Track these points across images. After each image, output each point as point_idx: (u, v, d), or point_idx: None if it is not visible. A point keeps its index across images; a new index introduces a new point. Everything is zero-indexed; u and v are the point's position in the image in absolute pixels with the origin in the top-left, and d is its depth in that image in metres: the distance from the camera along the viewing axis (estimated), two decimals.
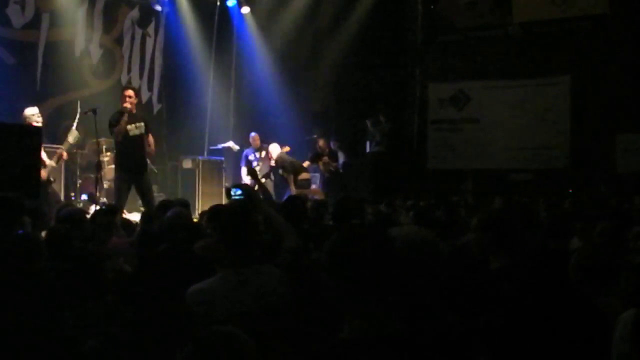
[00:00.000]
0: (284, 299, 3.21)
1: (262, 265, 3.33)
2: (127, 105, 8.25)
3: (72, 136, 9.11)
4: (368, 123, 13.15)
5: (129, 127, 8.29)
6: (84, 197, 9.70)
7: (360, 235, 2.11)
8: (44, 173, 8.18)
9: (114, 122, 8.30)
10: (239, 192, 3.93)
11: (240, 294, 3.10)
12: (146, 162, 8.74)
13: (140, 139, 8.42)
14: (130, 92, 8.41)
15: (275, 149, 11.54)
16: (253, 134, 11.94)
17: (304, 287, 3.39)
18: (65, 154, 8.98)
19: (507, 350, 2.53)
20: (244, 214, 3.31)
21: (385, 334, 1.95)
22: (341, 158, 12.88)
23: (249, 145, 11.98)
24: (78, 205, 9.32)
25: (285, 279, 3.28)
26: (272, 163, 11.58)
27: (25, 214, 4.54)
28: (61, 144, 9.24)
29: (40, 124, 8.26)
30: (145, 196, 8.52)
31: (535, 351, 2.51)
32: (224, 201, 8.90)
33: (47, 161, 8.62)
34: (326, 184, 12.44)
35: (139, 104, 12.07)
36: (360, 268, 2.00)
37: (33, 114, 8.34)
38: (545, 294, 2.81)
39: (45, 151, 8.38)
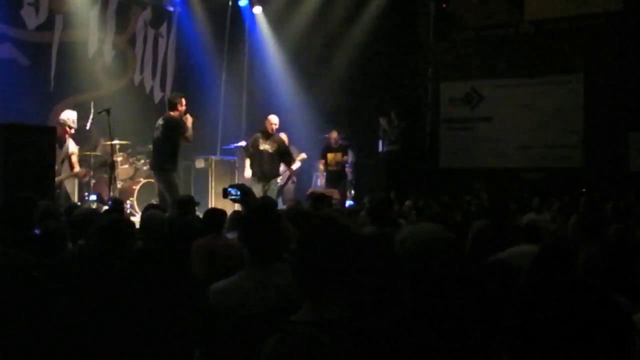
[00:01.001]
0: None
1: (284, 264, 3.37)
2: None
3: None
4: (383, 122, 13.13)
5: None
6: (93, 197, 9.75)
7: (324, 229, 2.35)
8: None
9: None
10: (237, 192, 3.95)
11: (263, 292, 3.14)
12: None
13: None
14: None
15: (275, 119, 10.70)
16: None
17: None
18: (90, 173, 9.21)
19: (527, 348, 2.53)
20: (266, 215, 3.35)
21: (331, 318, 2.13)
22: (350, 157, 12.86)
23: None
24: (91, 205, 9.43)
25: None
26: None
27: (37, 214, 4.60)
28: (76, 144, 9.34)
29: (74, 128, 8.47)
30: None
31: (555, 350, 2.51)
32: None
33: (77, 169, 8.85)
34: (329, 181, 12.34)
35: (152, 104, 12.25)
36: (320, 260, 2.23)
37: (68, 118, 8.51)
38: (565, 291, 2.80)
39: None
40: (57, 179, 8.66)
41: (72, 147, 8.96)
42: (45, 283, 3.40)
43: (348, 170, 12.83)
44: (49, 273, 3.52)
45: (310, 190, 12.30)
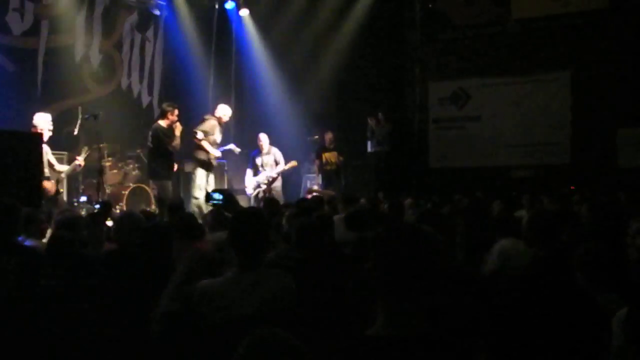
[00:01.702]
0: (291, 301, 3.25)
1: (271, 269, 3.38)
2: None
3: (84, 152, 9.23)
4: (371, 122, 13.13)
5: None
6: (83, 198, 9.74)
7: (402, 232, 2.15)
8: (50, 185, 8.28)
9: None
10: (220, 196, 3.95)
11: (249, 295, 3.14)
12: None
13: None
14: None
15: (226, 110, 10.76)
16: (262, 134, 11.55)
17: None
18: (82, 163, 9.05)
19: (509, 347, 2.54)
20: (252, 220, 3.35)
21: (411, 333, 1.97)
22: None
23: (250, 147, 11.92)
24: (79, 207, 9.39)
25: (292, 282, 3.31)
26: (278, 169, 11.39)
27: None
28: (64, 150, 9.29)
29: (50, 132, 8.36)
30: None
31: (537, 348, 2.53)
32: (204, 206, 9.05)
33: (59, 167, 8.71)
34: (326, 180, 12.36)
35: (139, 109, 12.22)
36: (399, 264, 2.04)
37: (43, 121, 8.40)
38: (547, 291, 2.82)
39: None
40: (63, 172, 8.62)
41: (46, 149, 8.78)
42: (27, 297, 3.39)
43: None
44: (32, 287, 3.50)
45: (308, 190, 12.29)
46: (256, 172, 11.28)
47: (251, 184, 11.28)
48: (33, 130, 8.30)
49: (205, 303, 3.10)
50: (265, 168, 11.26)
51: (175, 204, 6.85)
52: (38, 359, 3.16)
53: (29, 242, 4.85)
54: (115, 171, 10.89)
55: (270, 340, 1.86)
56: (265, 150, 11.31)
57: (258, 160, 11.31)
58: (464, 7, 14.00)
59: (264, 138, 11.37)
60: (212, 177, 10.14)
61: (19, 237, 4.58)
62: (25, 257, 3.81)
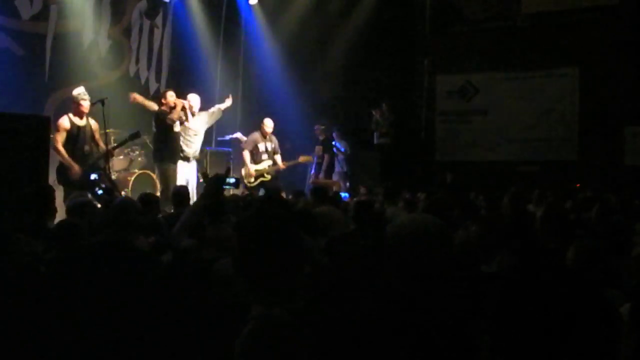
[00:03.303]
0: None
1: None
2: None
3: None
4: (375, 113, 13.13)
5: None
6: (94, 176, 9.67)
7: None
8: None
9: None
10: (233, 180, 3.93)
11: None
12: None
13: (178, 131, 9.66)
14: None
15: (194, 99, 10.25)
16: (268, 119, 11.28)
17: None
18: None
19: (513, 342, 2.55)
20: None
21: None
22: (343, 147, 12.89)
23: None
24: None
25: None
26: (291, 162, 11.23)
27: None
28: None
29: (87, 102, 8.36)
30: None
31: (541, 342, 2.53)
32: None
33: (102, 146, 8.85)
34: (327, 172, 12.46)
35: (147, 95, 12.23)
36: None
37: (79, 93, 8.41)
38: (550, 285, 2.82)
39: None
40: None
41: (93, 123, 8.74)
42: (50, 278, 3.39)
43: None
44: (58, 267, 3.51)
45: (312, 180, 12.27)
46: (255, 158, 11.11)
47: (250, 172, 11.06)
48: (74, 105, 8.32)
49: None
50: (265, 155, 11.13)
51: (181, 194, 6.87)
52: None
53: None
54: (121, 157, 10.89)
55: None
56: (267, 137, 11.22)
57: (261, 146, 11.17)
58: (474, 0, 13.95)
59: (271, 123, 11.23)
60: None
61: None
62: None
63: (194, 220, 3.73)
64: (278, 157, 11.23)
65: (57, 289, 3.29)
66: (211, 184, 3.76)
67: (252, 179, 11.05)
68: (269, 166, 11.12)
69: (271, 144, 11.21)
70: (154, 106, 9.89)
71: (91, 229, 4.36)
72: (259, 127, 11.32)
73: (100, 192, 7.12)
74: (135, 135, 9.35)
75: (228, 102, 10.67)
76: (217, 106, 10.66)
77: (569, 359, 2.40)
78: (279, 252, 2.19)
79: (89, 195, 7.54)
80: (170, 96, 9.53)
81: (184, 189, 7.25)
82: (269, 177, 11.07)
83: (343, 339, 2.18)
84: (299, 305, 2.12)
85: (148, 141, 10.58)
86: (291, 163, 11.34)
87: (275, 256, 2.18)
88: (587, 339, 2.39)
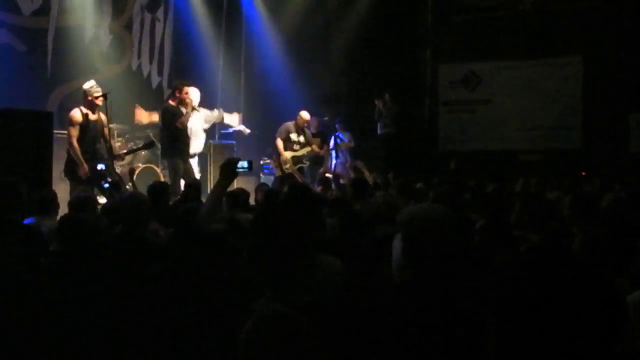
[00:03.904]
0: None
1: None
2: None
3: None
4: (378, 103, 13.09)
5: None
6: (101, 166, 9.64)
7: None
8: None
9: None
10: (245, 164, 3.93)
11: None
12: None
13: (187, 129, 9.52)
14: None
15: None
16: (304, 112, 11.22)
17: None
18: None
19: (520, 324, 2.53)
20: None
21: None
22: (347, 139, 12.86)
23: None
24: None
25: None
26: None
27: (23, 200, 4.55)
28: None
29: (100, 94, 8.18)
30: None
31: (548, 326, 2.52)
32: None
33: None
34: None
35: (149, 89, 12.21)
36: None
37: (91, 87, 8.30)
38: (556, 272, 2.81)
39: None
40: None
41: (104, 117, 8.46)
42: (28, 277, 3.37)
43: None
44: (33, 267, 3.48)
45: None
46: (287, 148, 10.99)
47: (287, 158, 10.92)
48: (86, 99, 8.15)
49: None
50: (297, 146, 11.04)
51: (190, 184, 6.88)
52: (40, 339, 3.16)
53: (43, 225, 4.82)
54: (124, 151, 10.89)
55: None
56: (302, 130, 11.12)
57: (293, 136, 11.04)
58: None
59: (307, 116, 11.16)
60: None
61: (30, 219, 4.57)
62: (24, 236, 3.77)
63: (218, 204, 3.76)
64: (314, 147, 11.26)
65: (69, 285, 3.29)
66: (225, 167, 3.79)
67: (288, 165, 10.97)
68: (307, 151, 11.07)
69: (303, 137, 11.14)
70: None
71: (95, 224, 4.34)
72: (261, 119, 11.31)
73: (106, 185, 7.09)
74: (149, 145, 9.42)
75: (234, 120, 10.67)
76: (223, 113, 10.68)
77: (574, 345, 2.39)
78: (289, 244, 2.20)
79: (95, 190, 7.56)
80: (187, 93, 9.30)
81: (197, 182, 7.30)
82: (307, 163, 11.03)
83: (350, 333, 2.16)
84: (305, 299, 2.11)
85: (152, 135, 10.57)
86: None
87: (284, 249, 2.19)
88: (593, 327, 2.38)
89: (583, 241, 3.22)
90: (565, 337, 2.42)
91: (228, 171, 3.77)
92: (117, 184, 7.29)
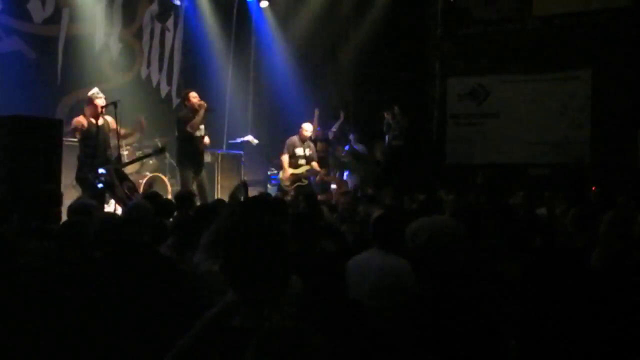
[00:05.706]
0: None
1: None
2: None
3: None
4: (387, 116, 13.10)
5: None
6: (102, 170, 9.64)
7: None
8: None
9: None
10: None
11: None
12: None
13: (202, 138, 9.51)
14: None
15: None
16: (306, 124, 11.27)
17: None
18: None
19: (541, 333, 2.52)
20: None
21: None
22: (361, 151, 12.89)
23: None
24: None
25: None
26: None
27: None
28: None
29: (102, 100, 8.29)
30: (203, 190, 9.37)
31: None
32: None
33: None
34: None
35: (158, 98, 12.24)
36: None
37: (93, 93, 8.37)
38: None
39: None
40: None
41: (110, 120, 8.57)
42: (54, 286, 3.38)
43: None
44: (63, 274, 3.49)
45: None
46: (293, 163, 11.05)
47: (287, 175, 10.99)
48: (91, 106, 8.24)
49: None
50: (303, 160, 11.06)
51: (183, 196, 6.88)
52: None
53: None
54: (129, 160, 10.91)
55: None
56: (306, 142, 11.16)
57: (298, 151, 11.10)
58: (485, 2, 13.92)
59: (309, 127, 11.21)
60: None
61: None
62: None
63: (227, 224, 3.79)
64: (314, 164, 11.21)
65: (78, 291, 3.28)
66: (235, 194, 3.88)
67: (288, 183, 10.99)
68: (306, 170, 11.07)
69: (309, 150, 11.18)
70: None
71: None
72: (269, 129, 11.34)
73: (100, 185, 7.10)
74: (160, 151, 9.45)
75: None
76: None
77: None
78: (261, 262, 2.19)
79: (107, 196, 7.59)
80: (194, 97, 9.39)
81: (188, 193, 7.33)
82: (305, 182, 11.01)
83: (360, 345, 2.15)
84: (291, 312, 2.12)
85: (159, 143, 10.58)
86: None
87: (256, 266, 2.18)
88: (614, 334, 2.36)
89: (601, 254, 3.21)
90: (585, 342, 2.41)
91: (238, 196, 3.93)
92: (111, 186, 7.32)
